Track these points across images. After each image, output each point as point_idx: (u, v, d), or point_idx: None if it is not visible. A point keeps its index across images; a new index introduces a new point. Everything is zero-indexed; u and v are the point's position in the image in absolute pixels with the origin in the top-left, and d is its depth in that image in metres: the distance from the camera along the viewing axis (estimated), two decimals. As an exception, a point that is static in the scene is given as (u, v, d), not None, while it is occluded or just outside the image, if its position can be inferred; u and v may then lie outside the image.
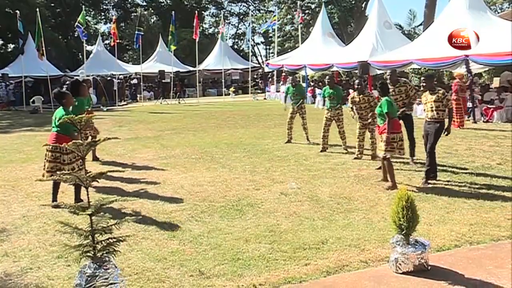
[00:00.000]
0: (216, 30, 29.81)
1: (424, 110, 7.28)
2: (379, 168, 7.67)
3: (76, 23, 23.80)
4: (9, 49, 36.47)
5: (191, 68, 31.02)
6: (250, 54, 36.80)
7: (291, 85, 11.24)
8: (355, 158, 8.76)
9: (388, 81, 8.06)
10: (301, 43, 27.26)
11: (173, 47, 25.25)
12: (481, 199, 6.06)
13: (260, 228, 5.21)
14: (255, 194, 6.60)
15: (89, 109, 8.79)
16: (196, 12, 27.95)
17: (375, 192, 6.56)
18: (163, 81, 27.74)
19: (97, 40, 32.17)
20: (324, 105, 10.03)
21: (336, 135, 9.80)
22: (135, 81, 28.64)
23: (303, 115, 10.90)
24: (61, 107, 6.33)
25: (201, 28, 39.09)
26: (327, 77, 10.79)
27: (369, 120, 8.34)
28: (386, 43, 18.81)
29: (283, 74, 26.43)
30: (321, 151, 9.62)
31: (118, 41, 25.39)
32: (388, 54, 17.60)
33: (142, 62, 28.38)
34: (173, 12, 26.78)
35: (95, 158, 9.28)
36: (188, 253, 4.56)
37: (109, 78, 26.24)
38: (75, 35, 37.40)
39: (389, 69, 17.89)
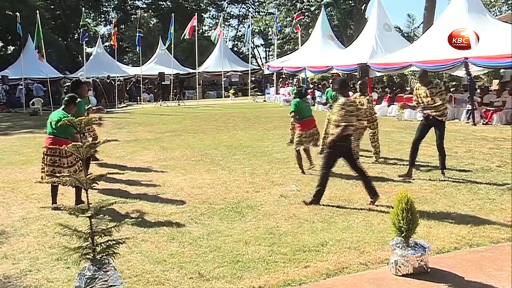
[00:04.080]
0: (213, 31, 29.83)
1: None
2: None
3: (83, 27, 23.86)
4: (9, 51, 36.44)
5: (191, 70, 31.01)
6: (250, 56, 36.78)
7: (296, 87, 11.28)
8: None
9: (418, 82, 7.71)
10: (301, 45, 27.27)
11: (167, 44, 25.53)
12: (481, 201, 6.07)
13: (259, 230, 5.21)
14: (255, 196, 6.60)
15: (93, 108, 8.85)
16: (196, 14, 27.96)
17: (375, 194, 6.55)
18: (163, 83, 27.70)
19: (97, 42, 32.17)
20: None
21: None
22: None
23: None
24: (58, 110, 6.29)
25: (200, 30, 39.08)
26: (330, 80, 10.83)
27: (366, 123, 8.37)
28: (385, 45, 18.81)
29: (283, 76, 26.44)
30: (321, 152, 9.61)
31: (116, 47, 25.45)
32: (388, 57, 17.61)
33: (142, 64, 28.38)
34: (172, 14, 26.80)
35: (95, 159, 9.27)
36: (188, 255, 4.56)
37: (108, 81, 26.20)
38: (75, 37, 37.43)
39: (389, 71, 18.06)
